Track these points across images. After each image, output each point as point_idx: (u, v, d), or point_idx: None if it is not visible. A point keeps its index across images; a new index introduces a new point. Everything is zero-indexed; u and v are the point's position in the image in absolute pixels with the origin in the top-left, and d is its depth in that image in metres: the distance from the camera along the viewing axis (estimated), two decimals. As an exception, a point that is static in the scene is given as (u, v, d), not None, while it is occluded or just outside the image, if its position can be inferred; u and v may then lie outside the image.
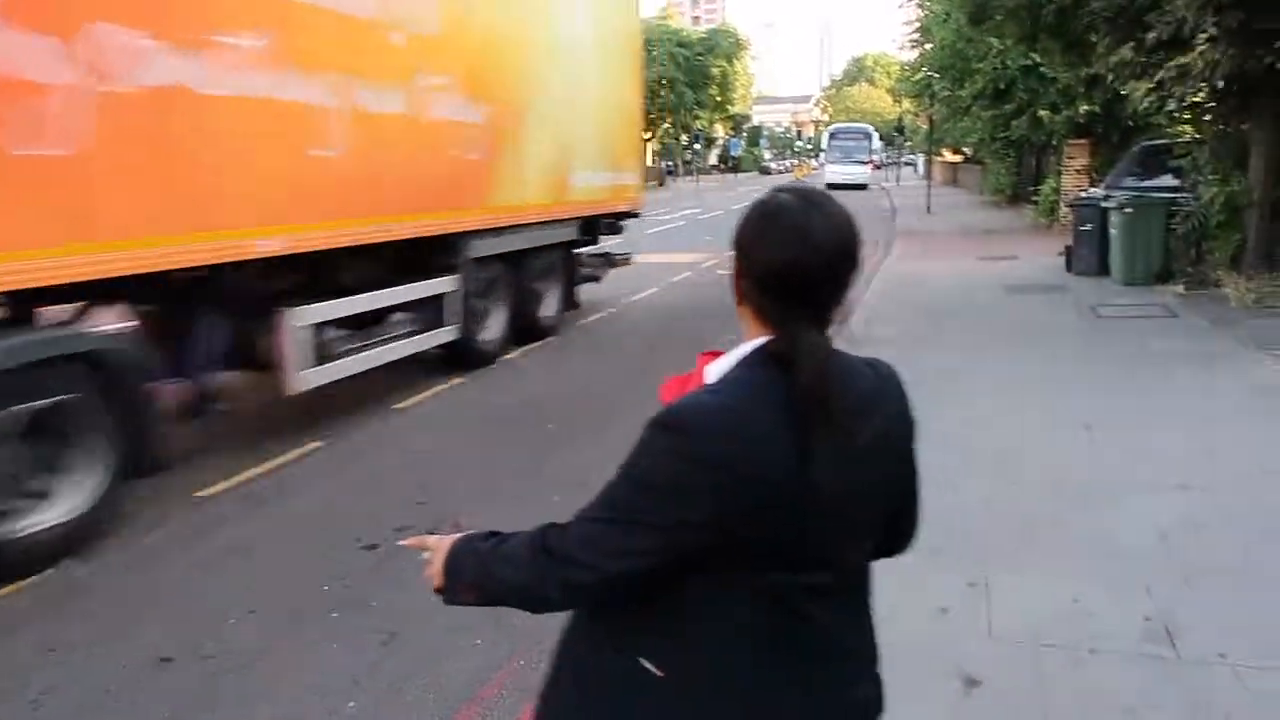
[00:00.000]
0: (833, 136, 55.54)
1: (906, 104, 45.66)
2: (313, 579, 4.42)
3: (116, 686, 3.56)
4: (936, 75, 23.71)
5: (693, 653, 1.31)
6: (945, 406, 6.83)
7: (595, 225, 11.39)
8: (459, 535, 1.47)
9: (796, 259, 1.27)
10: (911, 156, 70.12)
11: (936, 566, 4.16)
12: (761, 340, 1.30)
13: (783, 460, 1.23)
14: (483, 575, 1.40)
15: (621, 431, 1.69)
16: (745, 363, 1.30)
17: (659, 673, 1.31)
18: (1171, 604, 3.75)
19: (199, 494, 5.60)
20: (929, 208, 27.90)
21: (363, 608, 4.14)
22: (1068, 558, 4.23)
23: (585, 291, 11.53)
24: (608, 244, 11.99)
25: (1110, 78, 11.18)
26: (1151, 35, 9.49)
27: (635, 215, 12.41)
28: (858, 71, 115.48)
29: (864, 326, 10.08)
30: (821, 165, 55.00)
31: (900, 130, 50.08)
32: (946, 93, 23.89)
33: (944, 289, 12.58)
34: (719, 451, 1.22)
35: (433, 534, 1.52)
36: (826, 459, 1.24)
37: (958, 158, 45.34)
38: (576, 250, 10.99)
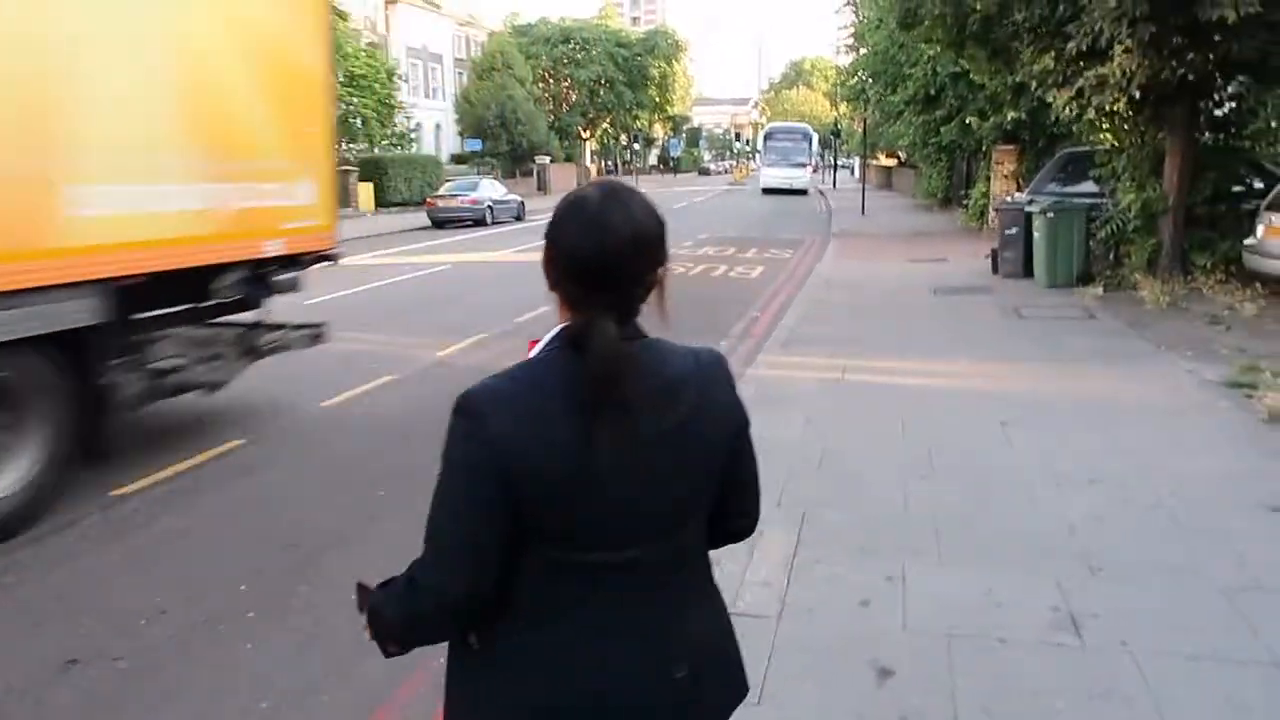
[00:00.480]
0: (769, 137, 52.05)
1: (843, 108, 46.40)
2: (230, 579, 4.34)
3: (21, 688, 3.45)
4: (870, 80, 24.11)
5: (501, 625, 1.38)
6: (867, 405, 6.99)
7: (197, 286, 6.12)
8: (374, 590, 1.48)
9: (591, 247, 1.33)
10: (848, 160, 71.11)
11: (859, 562, 4.26)
12: (563, 325, 1.38)
13: (564, 441, 1.30)
14: (387, 624, 1.44)
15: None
16: (548, 346, 1.38)
17: (476, 646, 1.40)
18: (1078, 595, 3.87)
19: (116, 492, 5.45)
20: (863, 210, 28.39)
21: (280, 608, 4.07)
22: (982, 552, 4.34)
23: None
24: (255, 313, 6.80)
25: (1033, 86, 11.50)
26: (1071, 45, 9.78)
27: (329, 259, 7.28)
28: (796, 75, 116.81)
29: (794, 325, 10.23)
30: (758, 168, 51.71)
31: (836, 134, 50.01)
32: (879, 97, 24.31)
33: (874, 290, 12.80)
34: (502, 432, 1.30)
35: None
36: (610, 441, 1.29)
37: (892, 162, 46.17)
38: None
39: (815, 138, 54.19)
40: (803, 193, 43.47)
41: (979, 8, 10.78)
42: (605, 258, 1.33)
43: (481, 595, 1.37)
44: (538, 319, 11.46)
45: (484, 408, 1.33)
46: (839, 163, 63.33)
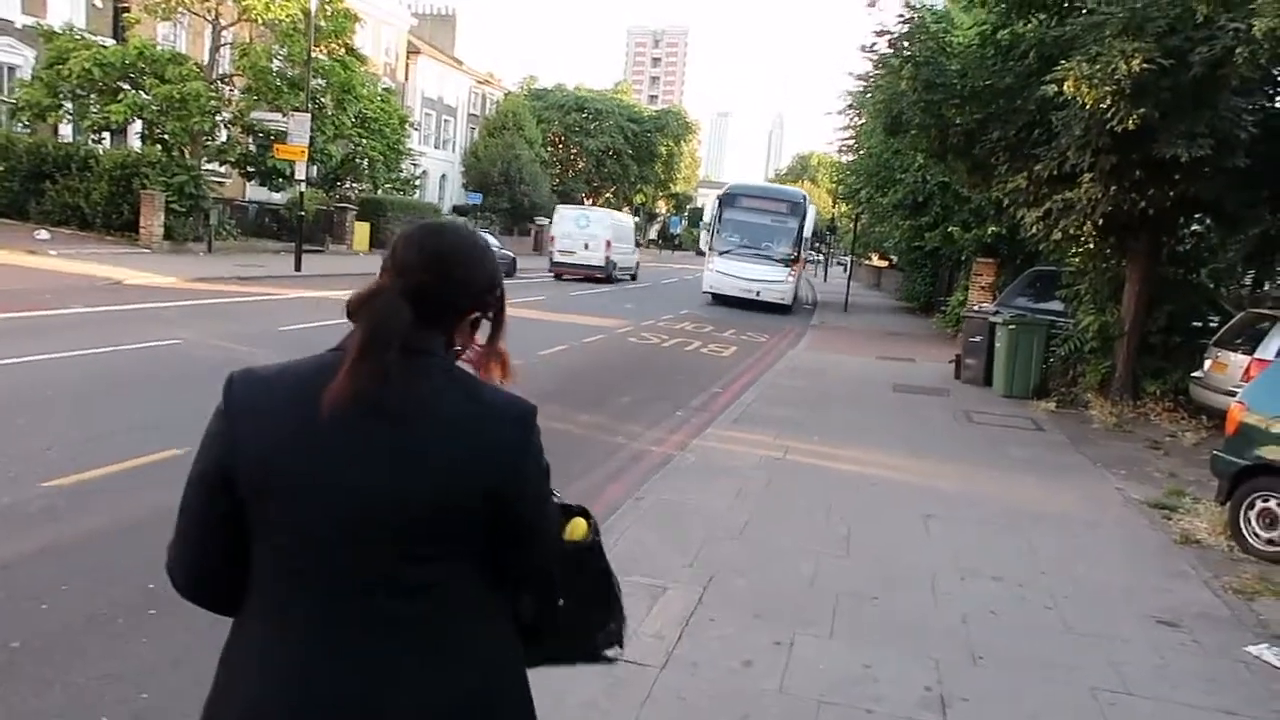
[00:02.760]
0: (729, 202, 27.24)
1: (842, 206, 46.95)
2: (139, 577, 4.42)
3: (-93, 657, 3.52)
4: (862, 181, 24.84)
5: (237, 615, 1.43)
6: (800, 484, 7.15)
7: None
8: None
9: (402, 257, 1.42)
10: (843, 257, 71.91)
11: (752, 626, 4.39)
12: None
13: (296, 431, 1.33)
14: None
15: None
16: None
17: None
18: (953, 679, 4.00)
19: (45, 484, 5.53)
20: (846, 306, 28.91)
21: (181, 607, 4.14)
22: (873, 630, 4.48)
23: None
24: None
25: (1005, 203, 11.93)
26: (1039, 168, 10.21)
27: None
28: (802, 169, 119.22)
29: (750, 404, 10.43)
30: (712, 255, 26.70)
31: (832, 229, 50.62)
32: (870, 198, 25.01)
33: (837, 381, 13.05)
34: (242, 411, 1.36)
35: None
36: (333, 447, 1.32)
37: (884, 263, 47.02)
38: None
39: (811, 213, 28.92)
40: (785, 308, 25.31)
41: (959, 122, 11.24)
42: (421, 264, 1.40)
43: (206, 578, 1.42)
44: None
45: (236, 387, 1.38)
46: (833, 259, 64.14)
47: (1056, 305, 13.74)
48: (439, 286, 1.41)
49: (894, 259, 40.12)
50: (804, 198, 28.11)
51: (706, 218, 29.59)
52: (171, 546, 1.42)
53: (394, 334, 1.33)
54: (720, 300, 25.76)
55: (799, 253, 26.87)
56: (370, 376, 1.31)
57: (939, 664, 4.14)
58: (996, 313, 13.53)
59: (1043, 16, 11.15)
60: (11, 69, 26.09)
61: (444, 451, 1.36)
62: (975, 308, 15.12)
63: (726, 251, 25.91)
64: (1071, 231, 10.90)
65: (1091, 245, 11.55)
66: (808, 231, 27.70)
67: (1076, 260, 12.73)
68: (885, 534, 6.04)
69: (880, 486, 7.29)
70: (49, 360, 8.99)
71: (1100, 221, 10.50)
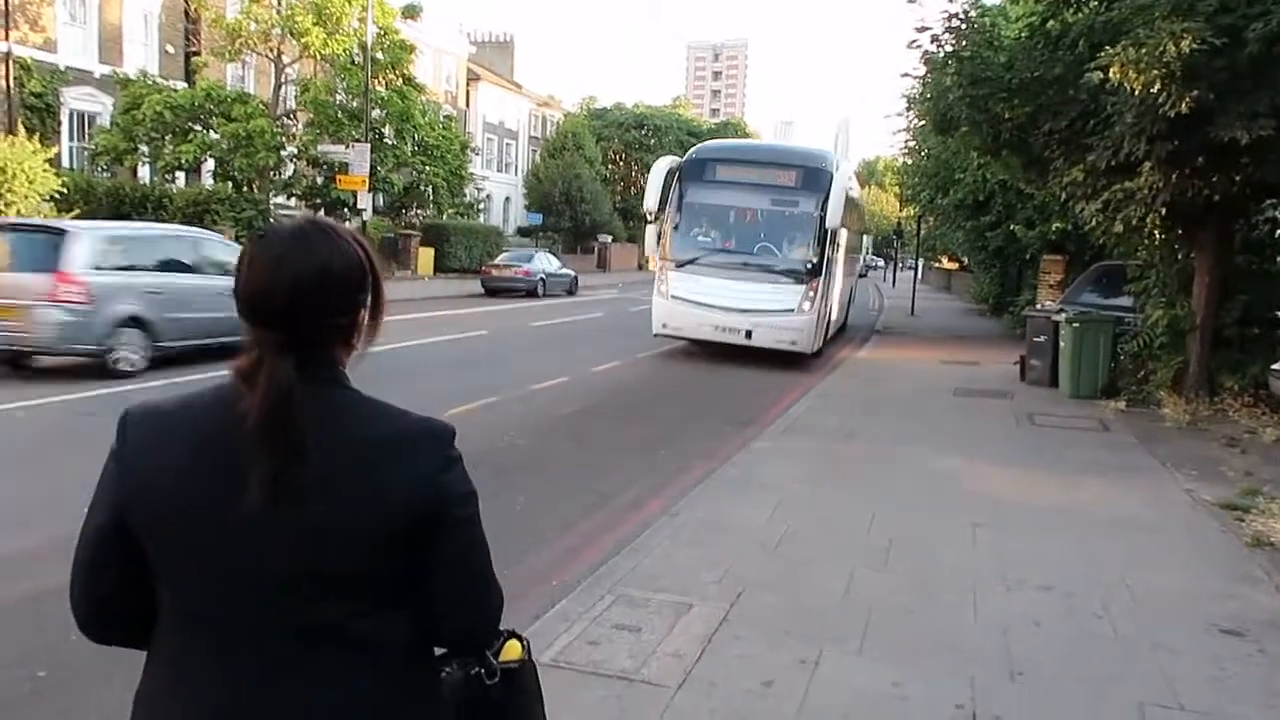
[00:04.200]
0: (695, 174, 15.17)
1: (908, 210, 46.00)
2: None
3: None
4: (923, 183, 24.31)
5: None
6: (847, 495, 6.96)
7: None
8: None
9: (262, 282, 1.29)
10: (913, 261, 70.59)
11: (778, 643, 4.25)
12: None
13: (187, 471, 1.27)
14: None
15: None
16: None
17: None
18: (987, 697, 3.81)
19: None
20: (913, 310, 28.34)
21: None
22: (905, 646, 4.29)
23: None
24: None
25: (1064, 197, 11.53)
26: (1092, 158, 9.83)
27: None
28: (869, 175, 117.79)
29: (801, 415, 10.24)
30: (665, 268, 14.92)
31: (899, 234, 49.85)
32: (931, 200, 24.47)
33: (896, 387, 12.75)
34: (137, 449, 1.31)
35: None
36: (242, 485, 1.23)
37: (953, 265, 46.03)
38: None
39: (842, 186, 14.81)
40: (796, 357, 14.53)
41: (1009, 116, 10.90)
42: (274, 294, 1.28)
43: (104, 618, 1.37)
44: (554, 387, 11.66)
45: (131, 424, 1.33)
46: (902, 262, 62.98)
47: (1124, 301, 13.20)
48: (309, 322, 1.30)
49: (963, 260, 39.26)
50: (826, 159, 15.37)
51: (651, 200, 14.88)
52: (71, 585, 1.37)
53: (287, 378, 1.26)
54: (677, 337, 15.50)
55: (822, 255, 14.33)
56: (271, 409, 1.23)
57: (973, 681, 3.94)
58: (1060, 311, 13.07)
59: (1093, 4, 10.78)
60: (92, 117, 27.27)
61: (357, 480, 1.27)
62: (1037, 307, 14.65)
63: (690, 261, 14.58)
64: (1134, 223, 10.45)
65: (1156, 236, 11.07)
66: (835, 219, 14.22)
67: (1142, 253, 12.23)
68: (928, 544, 5.82)
69: (928, 494, 7.05)
70: (104, 395, 9.29)
71: (1163, 211, 10.05)
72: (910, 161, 26.52)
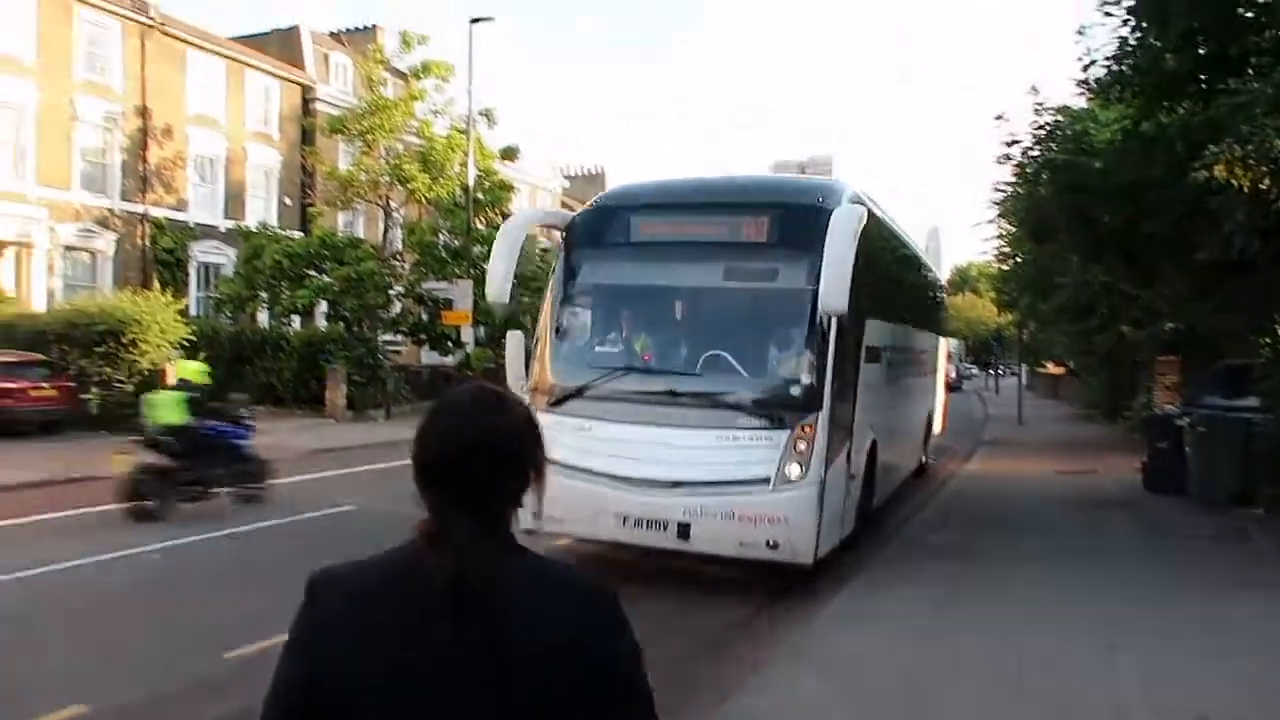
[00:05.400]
0: (591, 238, 8.38)
1: (1007, 315, 45.03)
2: None
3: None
4: (1022, 289, 23.94)
5: None
6: (970, 618, 6.66)
7: None
8: None
9: (435, 451, 1.36)
10: (1015, 367, 68.68)
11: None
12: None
13: (383, 634, 1.30)
14: None
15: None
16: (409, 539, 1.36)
17: None
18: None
19: (229, 654, 5.83)
20: (1020, 419, 27.47)
21: None
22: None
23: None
24: None
25: (1172, 296, 11.22)
26: (1201, 257, 9.60)
27: None
28: (962, 281, 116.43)
29: (918, 532, 9.93)
30: (535, 406, 7.17)
31: (999, 340, 48.62)
32: (1031, 305, 24.02)
33: (1012, 500, 12.30)
34: (327, 614, 1.34)
35: None
36: (431, 645, 1.27)
37: (1059, 370, 44.67)
38: None
39: (847, 228, 7.12)
40: (779, 570, 7.37)
41: (1108, 220, 10.78)
42: (452, 457, 1.35)
43: None
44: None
45: (319, 589, 1.37)
46: (1004, 368, 61.30)
47: (1252, 401, 12.55)
48: (483, 483, 1.36)
49: (1070, 365, 38.11)
50: (827, 193, 8.15)
51: (495, 283, 8.12)
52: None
53: (470, 541, 1.30)
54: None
55: (825, 367, 7.28)
56: (456, 572, 1.28)
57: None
58: (1183, 414, 12.51)
59: (1186, 105, 10.72)
60: (216, 267, 29.28)
61: (531, 640, 1.31)
62: (1157, 410, 14.06)
63: (577, 394, 7.82)
64: (1253, 320, 10.07)
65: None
66: (840, 295, 6.83)
67: (1265, 350, 11.69)
68: (1062, 669, 5.49)
69: (1058, 616, 6.68)
70: (237, 533, 9.66)
71: (1286, 309, 9.69)
72: (1006, 268, 26.25)
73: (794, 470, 7.00)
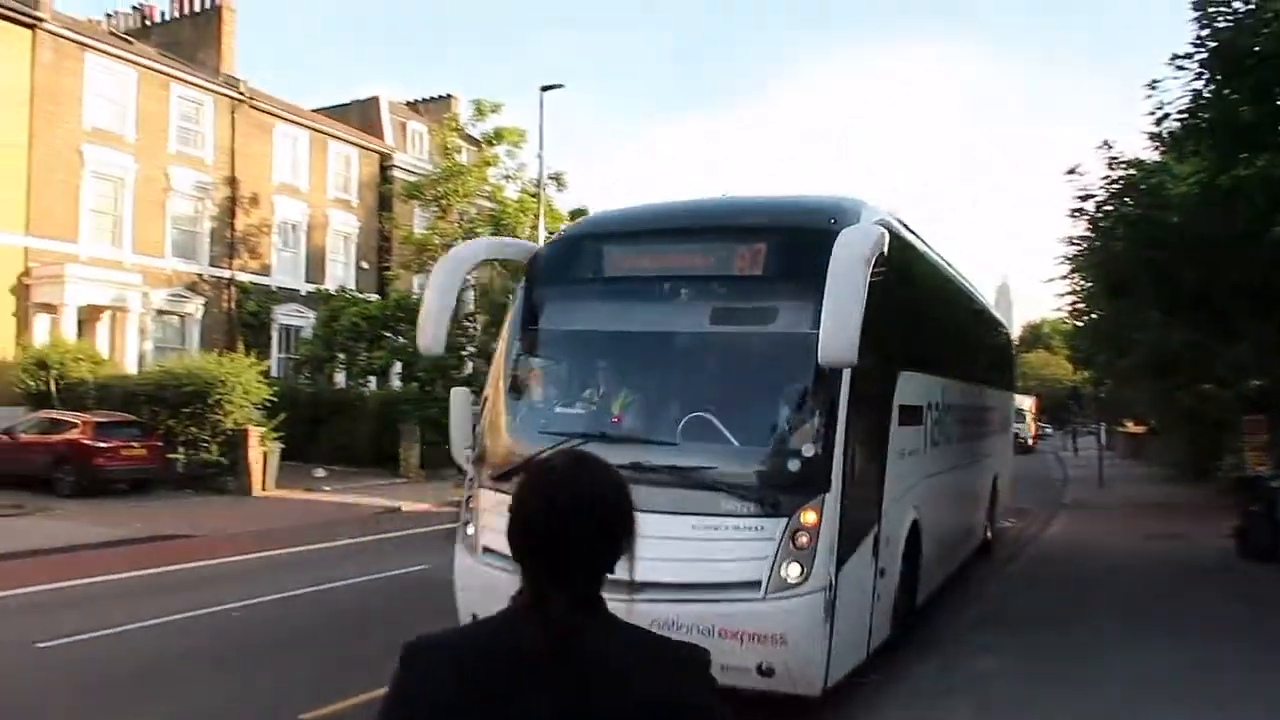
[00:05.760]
0: (555, 270, 6.97)
1: (1083, 373, 43.69)
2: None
3: None
4: (1095, 346, 23.37)
5: None
6: (1058, 695, 6.42)
7: None
8: None
9: (533, 517, 1.38)
10: (1095, 426, 66.42)
11: None
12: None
13: (469, 704, 1.31)
14: None
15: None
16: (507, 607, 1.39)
17: None
18: None
19: (304, 715, 5.94)
20: (1102, 480, 26.59)
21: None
22: None
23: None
24: None
25: (1257, 351, 10.88)
26: (1288, 311, 9.32)
27: None
28: (1035, 338, 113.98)
29: (1000, 599, 9.66)
30: (477, 480, 6.37)
31: (1076, 398, 47.12)
32: (1108, 362, 23.41)
33: (1097, 566, 11.90)
34: (425, 681, 1.36)
35: None
36: (517, 713, 1.28)
37: (1140, 429, 43.23)
38: None
39: (866, 253, 5.35)
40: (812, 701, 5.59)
41: (1187, 275, 10.55)
42: (551, 524, 1.36)
43: None
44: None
45: (415, 657, 1.38)
46: (1082, 428, 59.34)
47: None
48: (580, 551, 1.37)
49: (1151, 423, 36.89)
50: (839, 215, 6.20)
51: (427, 331, 6.67)
52: None
53: (567, 611, 1.32)
54: None
55: (833, 434, 5.63)
56: (553, 642, 1.30)
57: None
58: (1276, 476, 12.03)
59: (1266, 157, 10.49)
60: (297, 329, 30.25)
61: (625, 705, 1.32)
62: (1251, 472, 13.54)
63: (522, 468, 4.97)
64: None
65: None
66: (847, 344, 5.11)
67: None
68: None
69: (1155, 695, 6.41)
70: (315, 591, 9.85)
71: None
72: (1080, 323, 25.67)
73: (793, 571, 5.31)
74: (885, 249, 5.57)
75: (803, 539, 5.32)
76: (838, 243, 5.34)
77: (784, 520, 5.35)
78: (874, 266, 5.32)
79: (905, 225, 7.55)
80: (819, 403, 5.65)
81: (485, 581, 5.51)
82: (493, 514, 5.80)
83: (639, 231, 7.07)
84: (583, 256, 6.90)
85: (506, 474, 5.82)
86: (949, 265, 9.96)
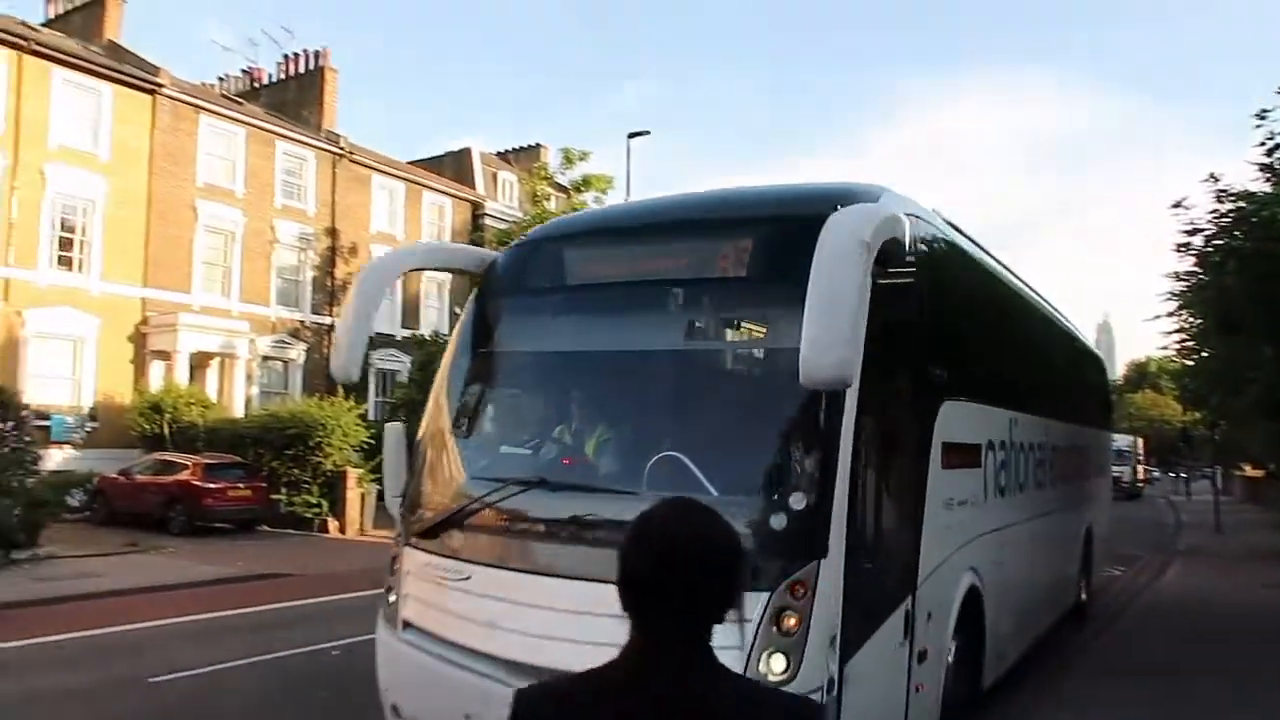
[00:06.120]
0: (510, 280, 5.66)
1: (1194, 414, 41.64)
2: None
3: None
4: (1207, 386, 22.30)
5: None
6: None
7: None
8: None
9: (640, 571, 1.36)
10: (1209, 469, 63.25)
11: None
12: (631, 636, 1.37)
13: None
14: None
15: None
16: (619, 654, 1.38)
17: None
18: None
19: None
20: (1218, 525, 25.24)
21: None
22: None
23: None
24: None
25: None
26: None
27: None
28: (1140, 377, 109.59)
29: (1116, 649, 9.24)
30: (403, 537, 5.20)
31: (1188, 440, 44.92)
32: (1221, 402, 22.30)
33: (1215, 616, 11.28)
34: None
35: None
36: None
37: (1259, 472, 40.95)
38: None
39: (855, 224, 3.93)
40: None
41: (1306, 309, 10.05)
42: (664, 569, 1.34)
43: None
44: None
45: (527, 706, 1.39)
46: (1196, 472, 56.56)
47: None
48: (692, 596, 1.35)
49: (1271, 467, 34.91)
50: (844, 203, 4.26)
51: (341, 353, 5.32)
52: None
53: (681, 660, 1.32)
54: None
55: (827, 486, 4.06)
56: (666, 691, 1.29)
57: None
58: None
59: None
60: (394, 374, 31.07)
61: None
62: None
63: (452, 523, 4.88)
64: None
65: None
66: (847, 364, 3.65)
67: None
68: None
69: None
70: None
71: None
72: (1190, 362, 24.57)
73: (776, 665, 3.87)
74: (908, 241, 4.41)
75: (789, 621, 3.89)
76: (825, 226, 3.87)
77: (764, 595, 3.87)
78: (896, 264, 4.27)
79: (951, 224, 6.27)
80: (813, 439, 4.18)
81: (407, 666, 4.80)
82: (418, 579, 4.85)
83: (608, 230, 5.91)
84: (543, 264, 5.59)
85: (433, 529, 4.83)
86: (1017, 278, 8.46)
